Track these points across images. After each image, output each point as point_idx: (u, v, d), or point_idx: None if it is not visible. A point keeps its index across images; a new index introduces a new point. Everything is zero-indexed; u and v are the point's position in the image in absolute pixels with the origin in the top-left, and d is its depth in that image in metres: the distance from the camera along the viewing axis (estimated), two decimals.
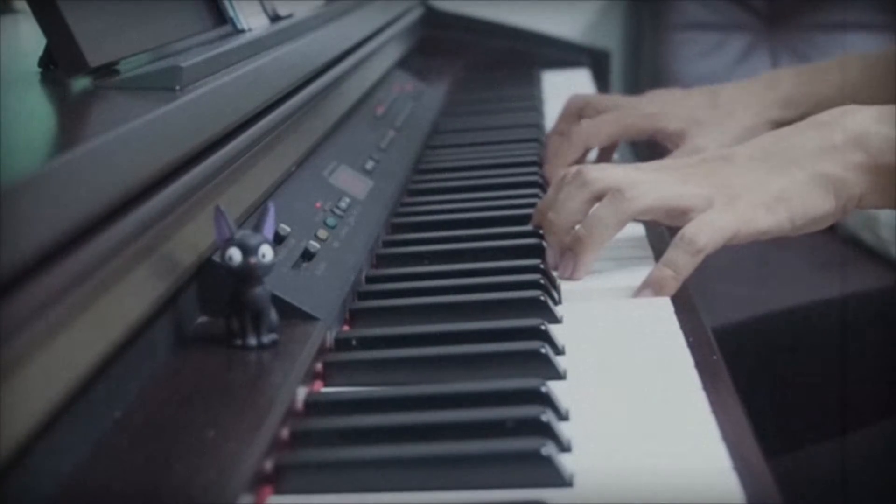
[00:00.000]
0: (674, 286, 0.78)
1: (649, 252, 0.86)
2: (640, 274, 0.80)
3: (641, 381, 0.65)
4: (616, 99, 1.17)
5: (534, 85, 1.62)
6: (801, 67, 1.12)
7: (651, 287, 0.78)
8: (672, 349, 0.68)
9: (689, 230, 0.77)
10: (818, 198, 0.78)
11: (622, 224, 0.80)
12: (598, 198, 0.81)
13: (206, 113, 0.72)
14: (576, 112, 1.13)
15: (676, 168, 0.84)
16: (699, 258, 0.77)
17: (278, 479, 0.55)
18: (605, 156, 1.12)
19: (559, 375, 0.66)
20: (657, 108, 1.09)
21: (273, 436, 0.56)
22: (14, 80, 0.77)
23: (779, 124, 0.99)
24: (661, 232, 0.89)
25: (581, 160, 1.08)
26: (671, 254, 0.78)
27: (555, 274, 0.82)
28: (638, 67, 2.51)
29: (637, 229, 0.89)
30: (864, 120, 0.79)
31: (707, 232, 0.77)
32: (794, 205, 0.78)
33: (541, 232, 0.89)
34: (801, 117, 0.88)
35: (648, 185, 0.80)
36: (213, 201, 0.68)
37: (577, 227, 0.82)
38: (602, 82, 1.70)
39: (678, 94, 1.13)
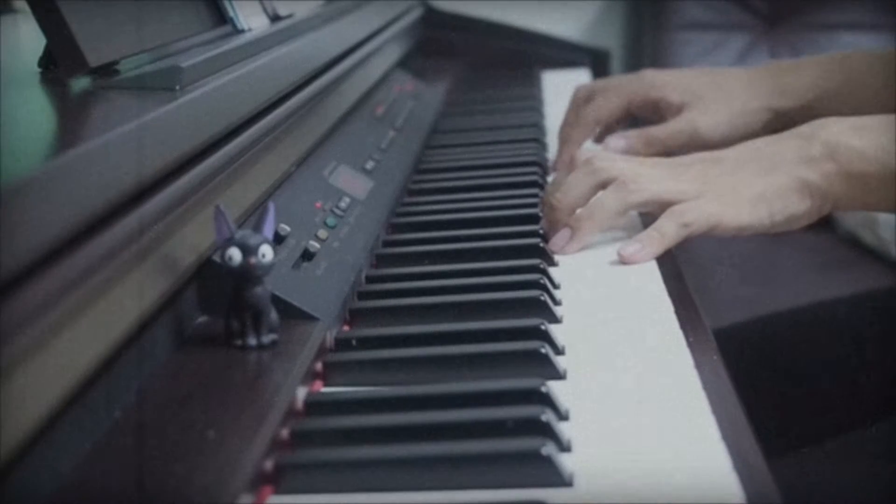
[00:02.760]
0: (657, 248, 0.85)
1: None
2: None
3: (641, 381, 0.65)
4: (619, 77, 1.21)
5: (534, 85, 1.62)
6: (805, 59, 1.15)
7: (638, 243, 0.85)
8: (672, 349, 0.68)
9: (679, 206, 0.85)
10: (795, 200, 0.86)
11: (622, 212, 0.88)
12: (604, 185, 0.88)
13: (206, 113, 0.72)
14: (584, 99, 1.17)
15: (673, 166, 0.90)
16: (684, 232, 0.85)
17: (278, 479, 0.55)
18: (609, 130, 1.18)
19: (559, 375, 0.66)
20: (661, 79, 1.15)
21: (273, 436, 0.56)
22: (14, 80, 0.77)
23: (777, 112, 1.07)
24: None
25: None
26: (661, 221, 0.86)
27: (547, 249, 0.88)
28: (638, 67, 2.50)
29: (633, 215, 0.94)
30: (838, 132, 0.87)
31: (695, 212, 0.85)
32: (773, 204, 0.86)
33: (541, 231, 0.90)
34: (801, 108, 0.97)
35: (649, 179, 0.87)
36: (213, 201, 0.68)
37: (579, 209, 0.89)
38: None
39: (683, 70, 1.19)
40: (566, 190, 0.89)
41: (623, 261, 0.85)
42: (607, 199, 0.87)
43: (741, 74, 1.14)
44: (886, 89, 1.04)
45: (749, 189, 0.86)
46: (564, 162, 1.13)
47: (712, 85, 1.12)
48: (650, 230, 0.86)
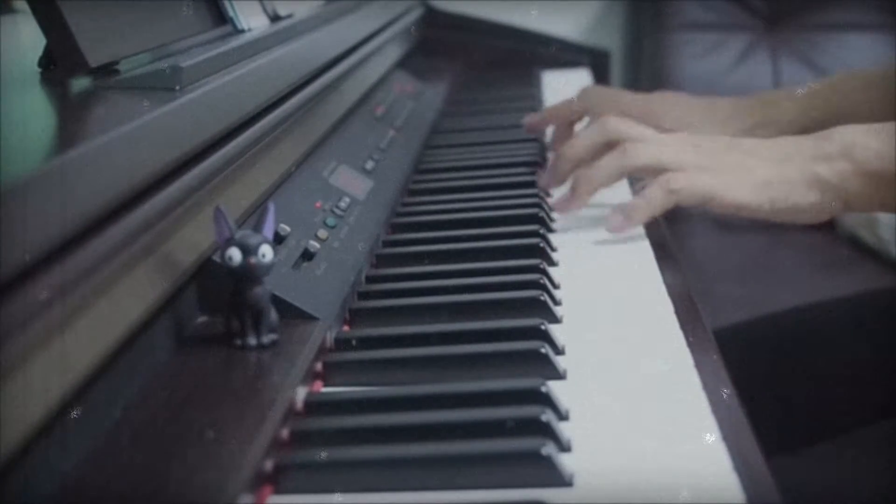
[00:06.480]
0: (641, 217, 0.86)
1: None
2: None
3: (641, 380, 0.65)
4: (629, 95, 1.22)
5: (534, 85, 1.62)
6: (797, 92, 1.15)
7: (622, 213, 0.87)
8: (672, 349, 0.68)
9: (671, 174, 0.86)
10: (803, 191, 0.86)
11: (619, 175, 0.90)
12: (609, 144, 0.90)
13: (206, 113, 0.72)
14: (591, 94, 1.19)
15: (686, 141, 0.91)
16: (671, 199, 0.85)
17: (278, 479, 0.55)
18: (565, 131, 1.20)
19: (559, 375, 0.66)
20: (657, 106, 1.14)
21: (273, 436, 0.56)
22: (14, 80, 0.77)
23: None
24: (658, 222, 0.92)
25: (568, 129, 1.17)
26: (649, 189, 0.86)
27: (549, 201, 0.94)
28: (638, 67, 2.51)
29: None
30: (854, 133, 0.87)
31: (686, 181, 0.85)
32: (779, 190, 0.86)
33: (541, 231, 0.90)
34: None
35: (653, 146, 0.89)
36: (213, 201, 0.68)
37: (581, 169, 0.91)
38: (602, 82, 1.70)
39: (682, 98, 1.18)
40: (575, 142, 0.92)
41: (610, 231, 0.87)
42: (606, 162, 0.89)
43: (736, 106, 1.14)
44: (881, 109, 1.04)
45: (756, 172, 0.86)
46: (534, 120, 1.20)
47: (707, 116, 1.13)
48: (636, 198, 0.87)
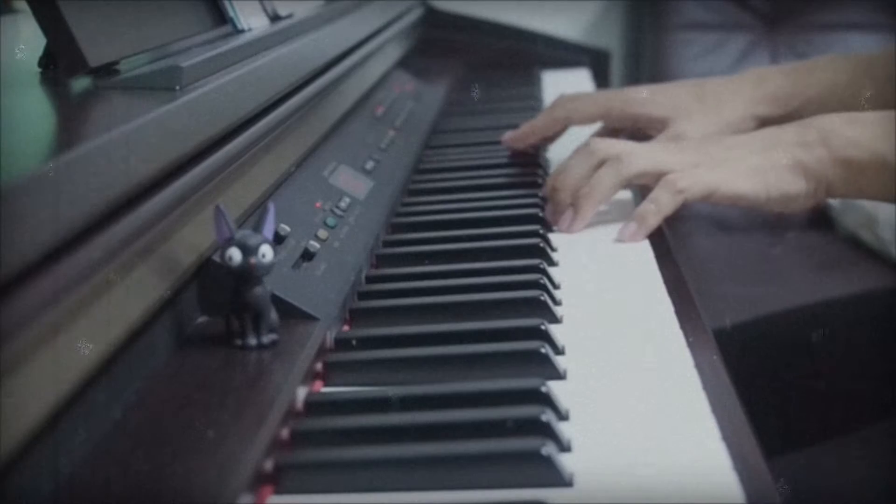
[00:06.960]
0: (654, 221, 0.88)
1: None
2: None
3: (641, 381, 0.65)
4: (603, 90, 1.22)
5: (534, 85, 1.62)
6: (790, 66, 1.13)
7: (635, 220, 0.88)
8: (672, 350, 0.68)
9: (672, 175, 0.88)
10: (791, 178, 0.89)
11: (619, 186, 0.91)
12: (602, 164, 0.91)
13: (206, 113, 0.72)
14: (565, 99, 1.15)
15: (672, 145, 0.95)
16: (679, 199, 0.88)
17: (278, 479, 0.55)
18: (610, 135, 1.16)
19: (559, 375, 0.66)
20: (641, 95, 1.12)
21: (273, 436, 0.56)
22: (14, 80, 0.77)
23: (764, 121, 1.06)
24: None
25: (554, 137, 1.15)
26: (655, 193, 0.88)
27: (554, 229, 0.93)
28: (638, 67, 2.51)
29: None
30: (832, 122, 0.90)
31: (688, 178, 0.88)
32: (769, 178, 0.89)
33: (541, 231, 0.90)
34: (787, 116, 1.02)
35: (644, 153, 0.91)
36: (213, 201, 0.68)
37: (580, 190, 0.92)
38: (602, 82, 1.70)
39: (665, 85, 1.16)
40: (567, 172, 0.93)
41: (624, 240, 0.88)
42: (604, 175, 0.90)
43: (727, 84, 1.12)
44: (873, 92, 1.04)
45: (746, 161, 0.89)
46: (512, 137, 1.14)
47: (695, 96, 1.10)
48: (645, 203, 0.88)
